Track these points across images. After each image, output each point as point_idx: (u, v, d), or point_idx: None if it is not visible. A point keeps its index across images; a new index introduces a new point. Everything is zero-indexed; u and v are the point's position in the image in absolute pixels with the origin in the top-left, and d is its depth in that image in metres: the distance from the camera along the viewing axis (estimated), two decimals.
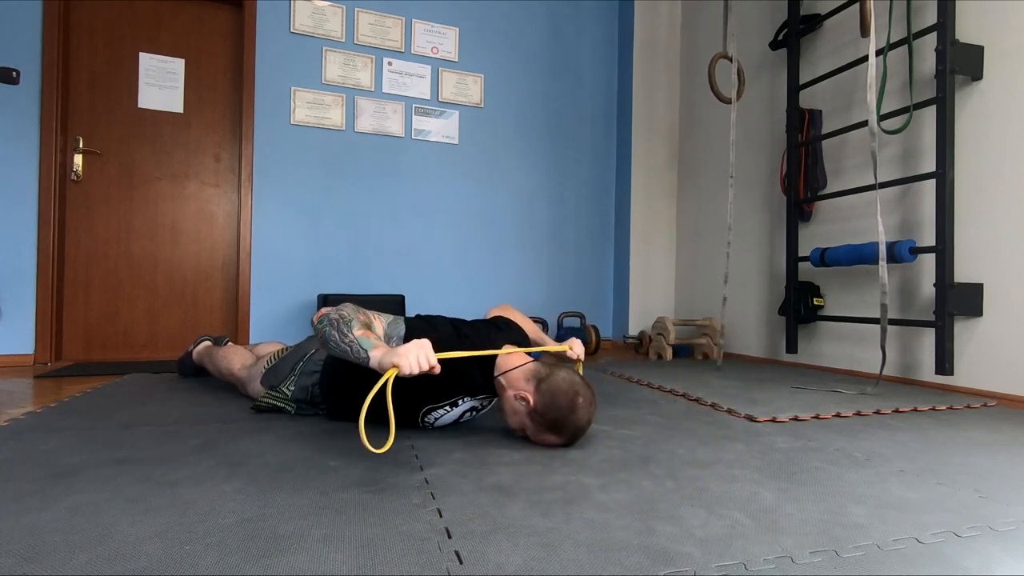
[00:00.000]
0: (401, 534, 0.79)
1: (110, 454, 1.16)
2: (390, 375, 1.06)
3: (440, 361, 1.15)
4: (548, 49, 3.61)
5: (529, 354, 1.39)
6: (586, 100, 3.70)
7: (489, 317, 1.61)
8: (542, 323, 3.32)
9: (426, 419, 1.38)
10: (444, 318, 1.50)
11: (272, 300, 3.02)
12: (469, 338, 1.38)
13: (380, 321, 1.38)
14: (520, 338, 1.50)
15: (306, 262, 3.08)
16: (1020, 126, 1.91)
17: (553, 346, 1.54)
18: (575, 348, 1.52)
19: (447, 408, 1.37)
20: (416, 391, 1.32)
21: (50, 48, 2.64)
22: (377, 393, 1.35)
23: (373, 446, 1.22)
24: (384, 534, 0.79)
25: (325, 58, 3.10)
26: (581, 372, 1.65)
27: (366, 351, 1.11)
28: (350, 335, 1.13)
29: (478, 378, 1.32)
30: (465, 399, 1.36)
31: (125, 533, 0.78)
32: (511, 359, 1.30)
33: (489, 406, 1.45)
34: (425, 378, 1.29)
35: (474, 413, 1.44)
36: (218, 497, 0.92)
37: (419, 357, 1.07)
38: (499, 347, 1.35)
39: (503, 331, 1.47)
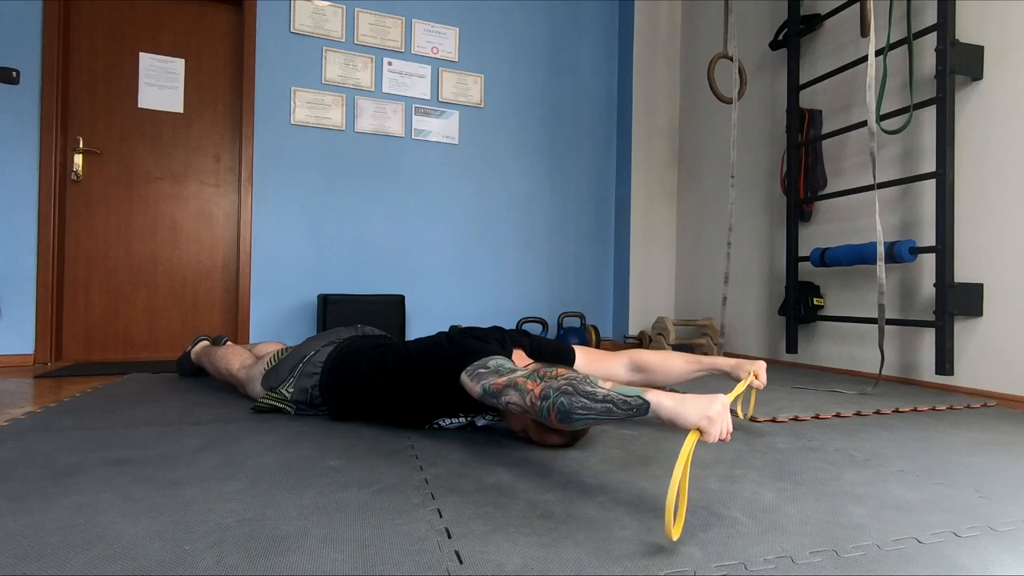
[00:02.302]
0: (401, 534, 0.79)
1: (110, 454, 1.16)
2: (694, 440, 0.80)
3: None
4: (548, 49, 3.61)
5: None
6: (586, 100, 3.70)
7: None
8: (542, 323, 3.32)
9: (434, 425, 1.40)
10: (469, 336, 1.37)
11: (272, 300, 3.02)
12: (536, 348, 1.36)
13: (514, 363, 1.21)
14: (544, 349, 1.45)
15: (306, 262, 3.08)
16: (1020, 126, 1.91)
17: (730, 366, 1.36)
18: (761, 376, 1.36)
19: (459, 418, 1.38)
20: (428, 405, 1.33)
21: (50, 48, 2.64)
22: (392, 404, 1.35)
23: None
24: (384, 534, 0.79)
25: (325, 58, 3.10)
26: (753, 402, 1.59)
27: (642, 398, 0.87)
28: (599, 390, 0.91)
29: None
30: (474, 416, 1.37)
31: (125, 533, 0.78)
32: (513, 360, 1.30)
33: (496, 422, 1.45)
34: (439, 393, 1.29)
35: (477, 425, 1.44)
36: (218, 497, 0.92)
37: (726, 424, 0.84)
38: (509, 352, 1.34)
39: (509, 333, 1.45)
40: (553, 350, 1.48)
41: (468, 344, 1.25)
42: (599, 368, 1.51)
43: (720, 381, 2.09)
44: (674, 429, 1.43)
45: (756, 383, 1.36)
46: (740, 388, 1.21)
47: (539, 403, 0.96)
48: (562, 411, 0.93)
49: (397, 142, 3.25)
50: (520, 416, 1.25)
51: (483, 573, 0.68)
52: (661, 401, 0.85)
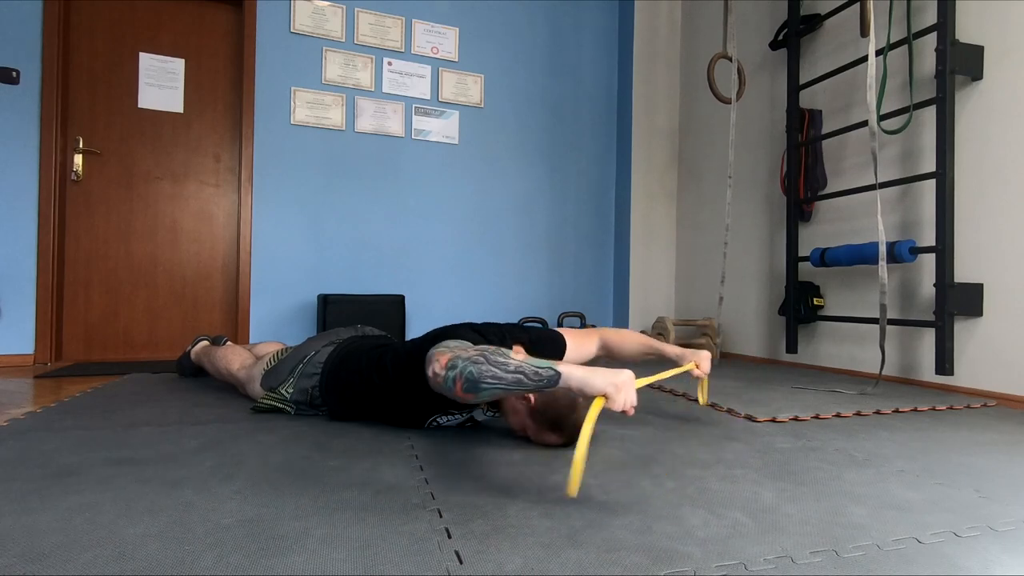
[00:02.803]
0: (401, 534, 0.79)
1: (110, 454, 1.16)
2: (599, 405, 0.90)
3: None
4: (548, 49, 3.61)
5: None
6: (586, 100, 3.70)
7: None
8: (542, 323, 3.32)
9: (432, 424, 1.40)
10: (493, 324, 1.45)
11: (272, 300, 3.02)
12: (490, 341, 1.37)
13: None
14: (544, 342, 1.46)
15: (306, 262, 3.08)
16: (1020, 126, 1.91)
17: (676, 370, 1.42)
18: (703, 365, 1.44)
19: (455, 415, 1.38)
20: (427, 401, 1.33)
21: (50, 48, 2.64)
22: (391, 403, 1.35)
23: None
24: (384, 534, 0.79)
25: (325, 58, 3.10)
26: (706, 390, 1.63)
27: (553, 369, 0.92)
28: (512, 361, 0.94)
29: None
30: (471, 412, 1.37)
31: (125, 533, 0.78)
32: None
33: (494, 416, 1.45)
34: (431, 390, 1.29)
35: (475, 422, 1.44)
36: (218, 497, 0.92)
37: (630, 396, 0.92)
38: (508, 347, 1.34)
39: (513, 329, 1.46)
40: (546, 339, 1.50)
41: (450, 331, 1.27)
42: (582, 348, 1.59)
43: (727, 372, 2.08)
44: (672, 431, 1.46)
45: (697, 372, 1.46)
46: (671, 373, 1.35)
47: (444, 372, 0.97)
48: (469, 380, 0.94)
49: (397, 142, 3.25)
50: (520, 415, 1.26)
51: (483, 573, 0.68)
52: (572, 372, 0.91)
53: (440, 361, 0.99)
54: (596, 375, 0.91)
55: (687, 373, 1.50)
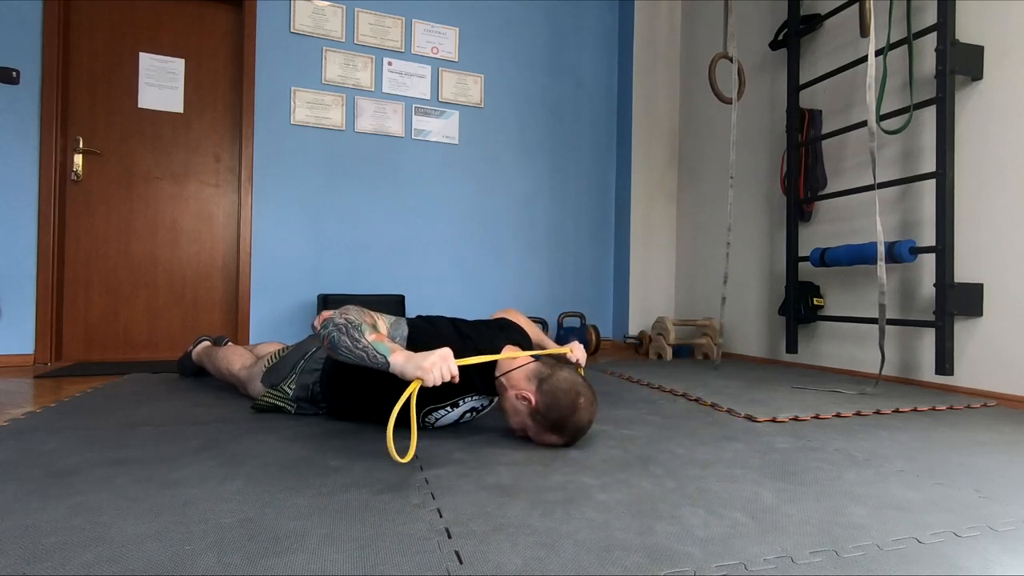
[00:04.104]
0: (401, 534, 0.79)
1: (110, 454, 1.16)
2: (414, 387, 1.05)
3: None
4: (548, 49, 3.61)
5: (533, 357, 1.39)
6: (586, 100, 3.70)
7: (493, 318, 1.61)
8: (542, 323, 3.32)
9: (427, 419, 1.38)
10: (445, 319, 1.50)
11: (272, 300, 3.02)
12: (471, 339, 1.38)
13: (383, 322, 1.37)
14: (521, 339, 1.50)
15: (306, 262, 3.08)
16: (1020, 126, 1.91)
17: (554, 349, 1.53)
18: (576, 352, 1.51)
19: (448, 408, 1.37)
20: (420, 397, 1.33)
21: (50, 48, 2.64)
22: (389, 397, 1.36)
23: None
24: (384, 534, 0.79)
25: (325, 58, 3.10)
26: (583, 374, 1.66)
27: (384, 356, 1.09)
28: (363, 340, 1.11)
29: (478, 379, 1.32)
30: (466, 399, 1.36)
31: (125, 533, 0.78)
32: (513, 359, 1.30)
33: (490, 406, 1.45)
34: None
35: (475, 414, 1.44)
36: (218, 497, 0.92)
37: (442, 369, 1.07)
38: (499, 348, 1.35)
39: (504, 331, 1.47)
40: (518, 333, 1.53)
41: (431, 322, 1.40)
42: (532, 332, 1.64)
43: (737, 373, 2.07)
44: (672, 431, 1.46)
45: (570, 355, 1.50)
46: (552, 351, 1.50)
47: (319, 330, 1.18)
48: (332, 343, 1.13)
49: (397, 142, 3.25)
50: (520, 415, 1.26)
51: (483, 573, 0.68)
52: (396, 359, 1.09)
53: (321, 317, 1.22)
54: (409, 363, 1.07)
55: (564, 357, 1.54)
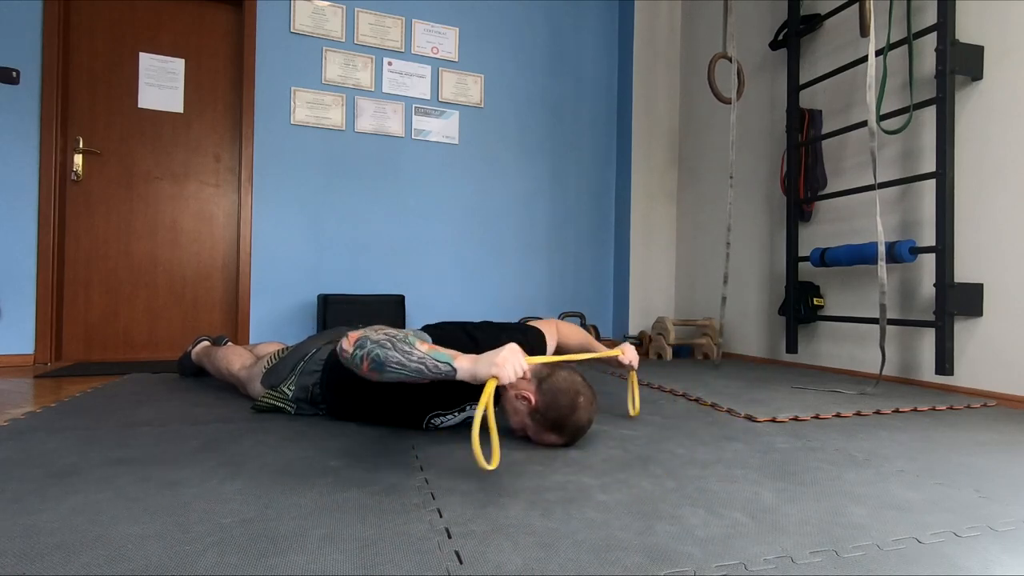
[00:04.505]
0: (401, 534, 0.79)
1: (110, 454, 1.16)
2: (491, 388, 1.00)
3: None
4: (548, 49, 3.61)
5: (576, 361, 1.37)
6: (586, 100, 3.70)
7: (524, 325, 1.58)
8: None
9: (431, 423, 1.39)
10: (452, 323, 1.49)
11: (272, 300, 3.02)
12: (478, 341, 1.38)
13: (410, 333, 1.35)
14: (523, 338, 1.48)
15: (306, 262, 3.08)
16: (1020, 126, 1.91)
17: (604, 352, 1.48)
18: (627, 353, 1.47)
19: (454, 414, 1.38)
20: (424, 398, 1.33)
21: (50, 48, 2.64)
22: (390, 398, 1.36)
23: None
24: (384, 534, 0.79)
25: (325, 58, 3.10)
26: (636, 380, 1.65)
27: (448, 363, 1.02)
28: (416, 351, 1.03)
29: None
30: (470, 406, 1.37)
31: (125, 533, 0.78)
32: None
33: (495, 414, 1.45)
34: (434, 385, 1.29)
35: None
36: (218, 497, 0.92)
37: (515, 365, 1.02)
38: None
39: (505, 331, 1.47)
40: (532, 336, 1.51)
41: (439, 328, 1.32)
42: (551, 339, 1.60)
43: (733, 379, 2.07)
44: (672, 431, 1.46)
45: (622, 357, 1.48)
46: (595, 356, 1.39)
47: (352, 350, 1.06)
48: (376, 361, 1.02)
49: (397, 142, 3.25)
50: (520, 415, 1.26)
51: (483, 573, 0.68)
52: (463, 364, 1.02)
53: (350, 338, 1.08)
54: (479, 363, 1.01)
55: (616, 361, 1.52)
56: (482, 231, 3.44)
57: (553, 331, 1.63)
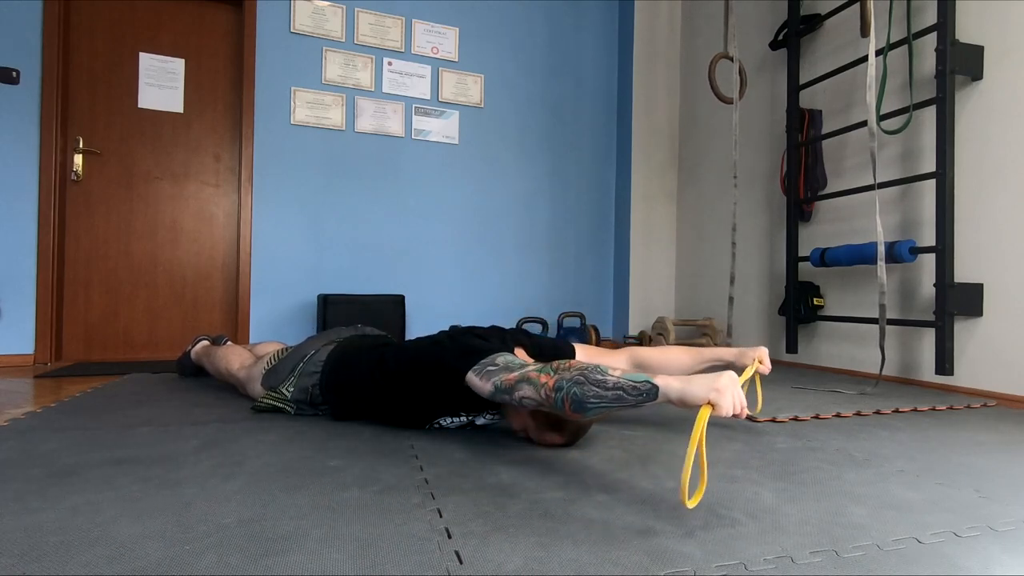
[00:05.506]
0: (401, 534, 0.79)
1: (110, 454, 1.16)
2: (705, 414, 0.84)
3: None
4: (548, 49, 3.61)
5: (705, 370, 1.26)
6: (586, 100, 3.70)
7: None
8: (542, 323, 3.32)
9: (433, 425, 1.40)
10: (459, 328, 1.46)
11: (272, 300, 3.02)
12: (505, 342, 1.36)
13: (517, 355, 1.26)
14: (524, 338, 1.47)
15: (306, 262, 3.08)
16: (1020, 126, 1.91)
17: (728, 354, 1.37)
18: (765, 361, 1.38)
19: (460, 417, 1.38)
20: (429, 403, 1.33)
21: (50, 48, 2.64)
22: (391, 398, 1.35)
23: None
24: (384, 534, 0.79)
25: (325, 58, 3.10)
26: (759, 388, 1.57)
27: (648, 381, 0.90)
28: (609, 378, 0.93)
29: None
30: (475, 415, 1.37)
31: (125, 533, 0.78)
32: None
33: (496, 421, 1.45)
34: (441, 391, 1.29)
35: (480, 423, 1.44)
36: (218, 497, 0.92)
37: (735, 395, 0.86)
38: (510, 350, 1.33)
39: (506, 332, 1.46)
40: (553, 348, 1.48)
41: (470, 342, 1.26)
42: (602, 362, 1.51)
43: None
44: (672, 431, 1.45)
45: (761, 368, 1.38)
46: (747, 373, 1.23)
47: (553, 395, 0.98)
48: (576, 401, 0.94)
49: (397, 142, 3.25)
50: (521, 415, 1.25)
51: (483, 573, 0.68)
52: (669, 383, 0.88)
53: (548, 384, 0.99)
54: (695, 383, 0.87)
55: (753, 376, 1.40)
56: (482, 231, 3.44)
57: (606, 360, 1.52)
